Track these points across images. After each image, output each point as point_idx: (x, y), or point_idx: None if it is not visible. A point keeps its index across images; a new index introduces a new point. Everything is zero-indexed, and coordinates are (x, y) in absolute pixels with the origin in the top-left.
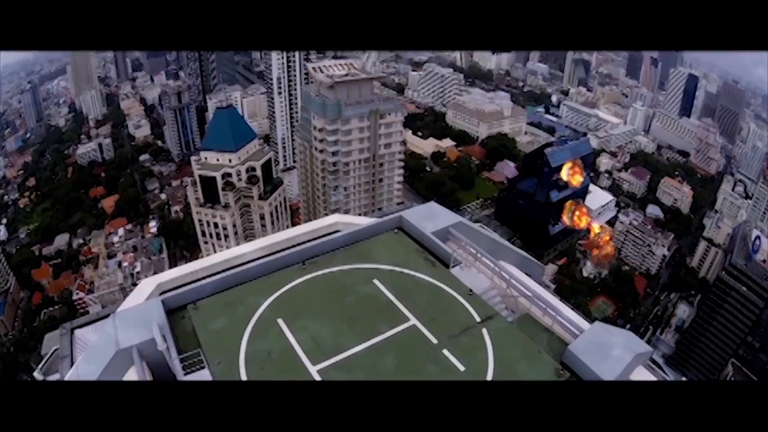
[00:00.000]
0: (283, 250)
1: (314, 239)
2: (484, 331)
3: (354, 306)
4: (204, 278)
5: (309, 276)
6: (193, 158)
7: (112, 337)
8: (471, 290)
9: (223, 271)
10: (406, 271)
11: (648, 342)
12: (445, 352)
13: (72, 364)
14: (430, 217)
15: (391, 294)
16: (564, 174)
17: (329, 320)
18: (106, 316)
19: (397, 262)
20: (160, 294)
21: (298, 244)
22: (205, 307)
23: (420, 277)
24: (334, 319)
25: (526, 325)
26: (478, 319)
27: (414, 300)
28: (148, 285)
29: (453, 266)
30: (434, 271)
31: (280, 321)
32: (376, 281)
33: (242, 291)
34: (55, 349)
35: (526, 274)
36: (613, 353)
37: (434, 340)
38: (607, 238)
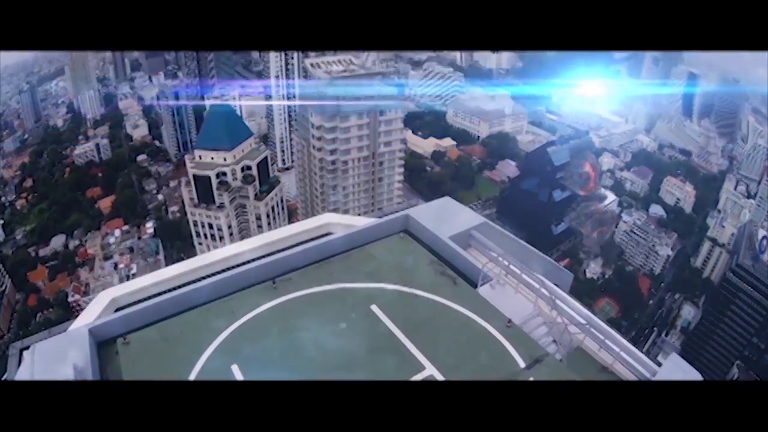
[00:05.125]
0: (254, 259)
1: (295, 245)
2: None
3: (342, 346)
4: (146, 299)
5: (280, 300)
6: (187, 157)
7: (28, 378)
8: (510, 320)
9: (172, 289)
10: (417, 292)
11: (653, 344)
12: None
13: None
14: (446, 217)
15: (397, 327)
16: (581, 179)
17: (305, 368)
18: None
19: (405, 278)
20: (115, 311)
21: (277, 252)
22: (138, 342)
23: (437, 301)
24: (312, 366)
25: (580, 365)
26: (522, 364)
27: (430, 336)
28: (102, 300)
29: (482, 284)
30: (457, 292)
31: (234, 369)
32: (374, 308)
33: (188, 320)
34: (4, 374)
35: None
36: None
37: None
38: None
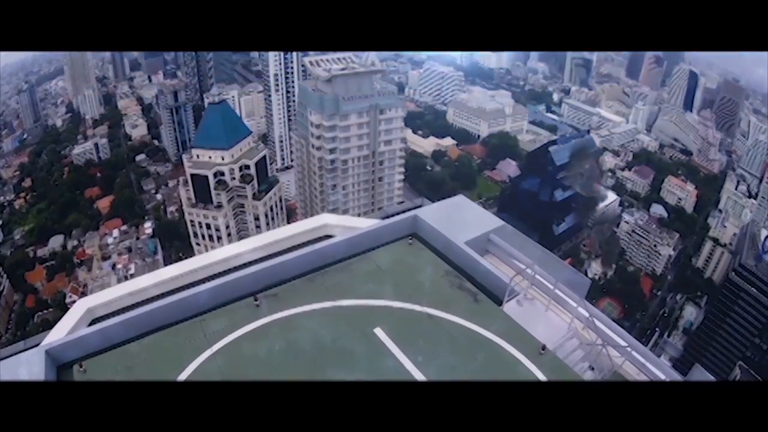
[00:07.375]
0: (238, 267)
1: (287, 251)
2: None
3: (339, 379)
4: (123, 310)
5: (263, 321)
6: (185, 156)
7: None
8: (544, 345)
9: (151, 299)
10: (430, 311)
11: (655, 344)
12: None
13: None
14: (460, 219)
15: (406, 355)
16: (582, 179)
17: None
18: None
19: (415, 293)
20: (89, 324)
21: (265, 259)
22: (95, 369)
23: (454, 323)
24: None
25: None
26: None
27: (447, 367)
28: (77, 311)
29: (508, 300)
30: (478, 311)
31: None
32: (378, 331)
33: (154, 344)
34: None
35: None
36: None
37: None
38: None
